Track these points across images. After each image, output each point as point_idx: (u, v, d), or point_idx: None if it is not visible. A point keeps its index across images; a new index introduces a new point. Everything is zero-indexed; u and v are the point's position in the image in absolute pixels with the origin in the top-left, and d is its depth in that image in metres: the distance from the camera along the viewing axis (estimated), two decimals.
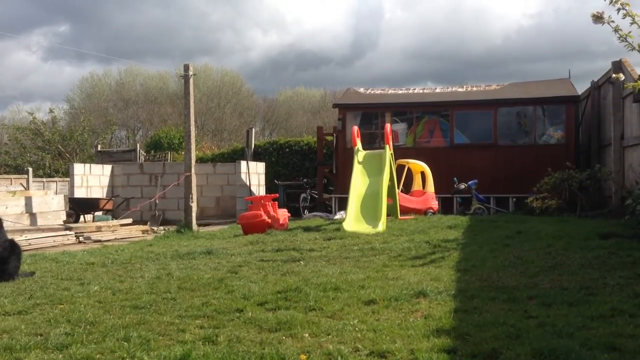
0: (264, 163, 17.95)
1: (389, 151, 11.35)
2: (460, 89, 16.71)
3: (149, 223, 14.00)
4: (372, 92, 17.16)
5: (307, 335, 3.43)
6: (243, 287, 4.88)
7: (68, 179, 17.56)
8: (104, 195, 16.37)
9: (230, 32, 69.69)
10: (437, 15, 70.48)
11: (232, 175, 16.32)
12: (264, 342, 3.30)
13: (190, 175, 12.51)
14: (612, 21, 5.58)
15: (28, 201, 13.10)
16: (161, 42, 67.10)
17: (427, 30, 69.41)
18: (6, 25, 60.82)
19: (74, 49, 66.60)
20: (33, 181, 20.13)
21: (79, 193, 15.59)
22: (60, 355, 3.17)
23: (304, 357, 3.02)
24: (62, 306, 4.42)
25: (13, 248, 6.11)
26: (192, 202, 12.27)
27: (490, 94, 15.65)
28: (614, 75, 7.28)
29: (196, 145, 18.84)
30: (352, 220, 10.11)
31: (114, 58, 74.41)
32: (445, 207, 13.78)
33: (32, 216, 12.98)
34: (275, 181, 17.80)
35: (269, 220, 10.31)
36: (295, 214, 14.83)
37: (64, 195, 15.59)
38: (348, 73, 66.54)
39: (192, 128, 12.58)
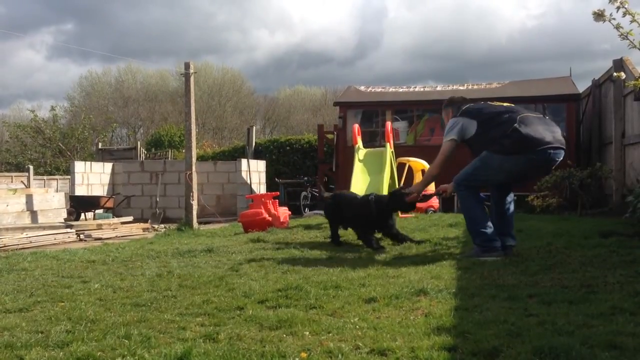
0: (264, 161, 17.95)
1: (389, 149, 11.34)
2: (461, 87, 16.70)
3: (149, 221, 14.01)
4: (373, 90, 17.14)
5: (307, 333, 3.42)
6: (244, 285, 4.88)
7: (69, 176, 17.56)
8: (105, 193, 16.37)
9: (234, 32, 69.70)
10: (439, 15, 70.41)
11: (233, 173, 16.32)
12: (265, 340, 3.31)
13: (191, 173, 12.51)
14: (613, 19, 5.59)
15: (29, 199, 13.10)
16: (166, 41, 67.17)
17: (430, 30, 69.37)
18: (13, 24, 60.85)
19: (79, 48, 66.66)
20: (34, 179, 20.15)
21: (80, 191, 15.59)
22: (61, 353, 3.17)
23: (305, 355, 3.02)
24: (63, 304, 4.42)
25: None
26: (193, 200, 12.27)
27: (491, 93, 15.62)
28: (615, 73, 7.28)
29: (197, 144, 18.85)
30: None
31: (119, 57, 74.45)
32: (446, 205, 13.77)
33: (33, 214, 12.98)
34: (276, 179, 17.80)
35: (270, 219, 10.30)
36: (296, 212, 14.83)
37: (65, 193, 15.59)
38: (350, 73, 66.62)
39: (193, 126, 12.57)
